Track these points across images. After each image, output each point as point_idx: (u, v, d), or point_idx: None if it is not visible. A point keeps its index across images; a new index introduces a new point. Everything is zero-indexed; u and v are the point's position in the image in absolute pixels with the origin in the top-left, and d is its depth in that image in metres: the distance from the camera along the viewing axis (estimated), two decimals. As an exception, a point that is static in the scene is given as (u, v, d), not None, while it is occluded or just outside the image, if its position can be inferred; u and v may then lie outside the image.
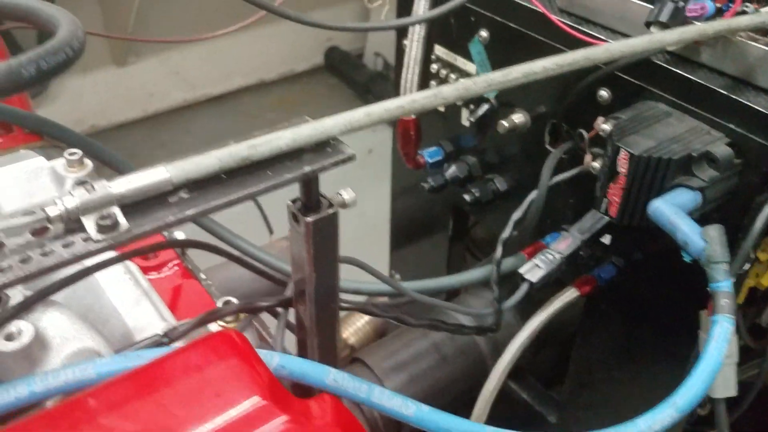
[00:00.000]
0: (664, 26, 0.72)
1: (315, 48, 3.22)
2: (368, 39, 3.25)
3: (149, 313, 0.67)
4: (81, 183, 0.40)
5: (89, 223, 0.38)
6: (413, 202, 1.19)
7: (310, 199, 0.46)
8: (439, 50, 0.96)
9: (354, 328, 1.51)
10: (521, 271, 0.77)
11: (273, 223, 1.67)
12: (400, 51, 1.03)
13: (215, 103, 3.08)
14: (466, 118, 0.97)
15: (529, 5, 0.82)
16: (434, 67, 0.97)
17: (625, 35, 0.77)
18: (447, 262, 1.14)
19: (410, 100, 0.46)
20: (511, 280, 0.81)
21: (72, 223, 0.38)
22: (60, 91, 2.64)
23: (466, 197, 0.94)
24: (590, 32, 0.77)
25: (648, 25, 0.73)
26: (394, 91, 1.10)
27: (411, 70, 0.91)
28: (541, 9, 0.80)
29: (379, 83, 3.06)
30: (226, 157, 0.42)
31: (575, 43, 0.77)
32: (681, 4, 0.72)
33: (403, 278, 1.29)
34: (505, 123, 0.87)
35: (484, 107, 0.91)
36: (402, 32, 1.02)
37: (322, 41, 3.22)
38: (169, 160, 0.43)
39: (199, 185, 0.41)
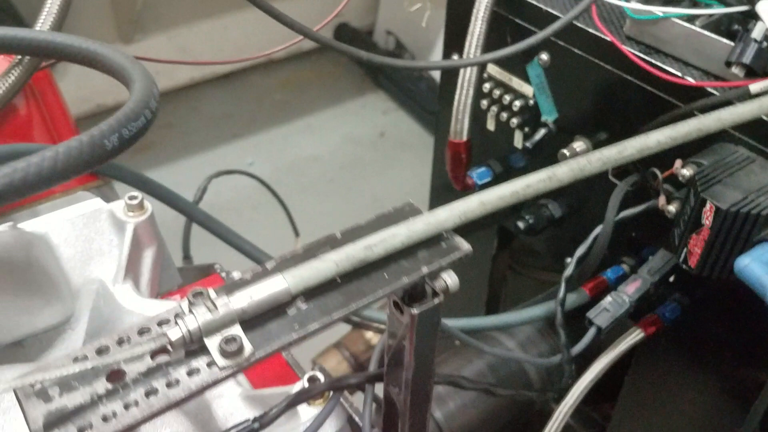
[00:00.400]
0: (747, 68, 0.69)
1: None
2: (379, 16, 3.18)
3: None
4: (197, 295, 0.37)
5: (212, 345, 0.36)
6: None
7: (416, 288, 0.43)
8: (493, 69, 0.93)
9: (330, 365, 1.52)
10: (590, 315, 0.75)
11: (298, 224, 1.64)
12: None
13: (222, 81, 3.02)
14: (519, 140, 0.94)
15: (596, 32, 0.78)
16: (486, 86, 0.94)
17: (699, 69, 0.74)
18: (489, 279, 1.12)
19: (524, 185, 0.44)
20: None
21: (193, 344, 0.36)
22: (66, 70, 2.57)
23: (520, 224, 0.92)
24: (662, 66, 0.74)
25: (728, 65, 0.70)
26: (438, 102, 1.07)
27: (465, 92, 0.88)
28: (609, 37, 0.77)
29: (390, 63, 3.00)
30: (343, 261, 0.39)
31: (644, 74, 0.74)
32: (765, 44, 0.69)
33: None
34: (566, 152, 0.84)
35: (542, 132, 0.88)
36: (451, 46, 0.99)
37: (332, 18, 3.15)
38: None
39: (316, 292, 0.39)
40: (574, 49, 0.81)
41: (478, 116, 0.90)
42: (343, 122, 2.91)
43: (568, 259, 0.91)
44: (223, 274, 0.77)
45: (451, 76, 0.99)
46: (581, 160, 0.45)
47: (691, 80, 0.71)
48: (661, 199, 0.74)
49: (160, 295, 0.73)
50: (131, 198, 0.67)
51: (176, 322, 0.36)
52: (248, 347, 0.36)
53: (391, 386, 0.51)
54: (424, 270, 0.41)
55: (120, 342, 0.37)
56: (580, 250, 0.79)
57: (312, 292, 0.39)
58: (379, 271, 0.40)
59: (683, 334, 0.81)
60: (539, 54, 0.85)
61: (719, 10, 0.70)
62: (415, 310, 0.43)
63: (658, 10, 0.73)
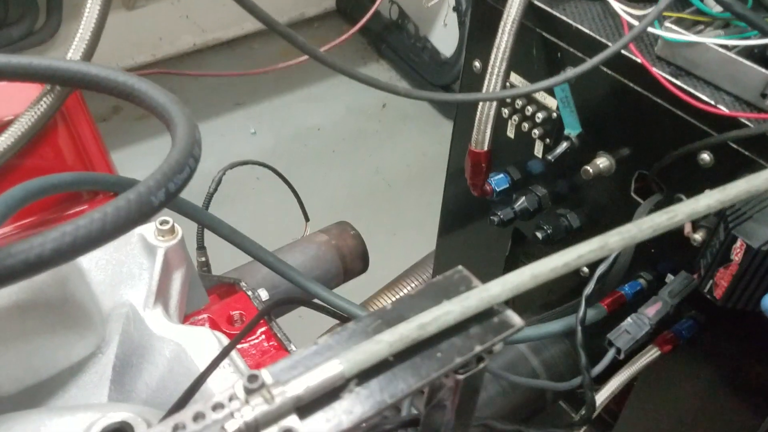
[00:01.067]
0: (783, 102, 0.69)
1: (326, -10, 3.09)
2: (383, -18, 3.11)
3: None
4: (254, 386, 0.37)
5: (269, 437, 0.36)
6: (466, 213, 1.17)
7: (463, 352, 0.44)
8: (516, 79, 0.92)
9: None
10: (610, 336, 0.76)
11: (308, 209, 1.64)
12: (469, 72, 0.98)
13: (225, 48, 2.98)
14: (539, 150, 0.94)
15: (626, 52, 0.77)
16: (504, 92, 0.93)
17: (732, 95, 0.73)
18: (502, 279, 1.12)
19: (576, 255, 0.44)
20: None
21: (249, 436, 0.36)
22: (69, 35, 2.52)
23: (538, 234, 0.92)
24: (694, 92, 0.73)
25: (765, 96, 0.70)
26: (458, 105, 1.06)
27: (488, 104, 0.87)
28: (640, 59, 0.76)
29: (394, 33, 2.96)
30: (396, 342, 0.39)
31: (674, 99, 0.74)
32: (801, 76, 0.68)
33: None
34: (589, 169, 0.84)
35: (564, 145, 0.88)
36: (473, 52, 0.97)
37: (334, -17, 3.09)
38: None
39: (369, 372, 0.39)
40: (602, 67, 0.80)
41: (498, 123, 0.90)
42: (345, 92, 2.87)
43: (585, 270, 0.92)
44: (249, 293, 0.78)
45: (472, 82, 0.98)
46: (632, 229, 0.45)
47: (724, 110, 0.70)
48: (687, 227, 0.75)
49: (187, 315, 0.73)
50: (163, 223, 0.67)
51: (233, 415, 0.36)
52: (305, 438, 0.37)
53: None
54: (477, 348, 0.41)
55: (176, 429, 0.37)
56: (601, 268, 0.80)
57: (365, 373, 0.39)
58: (431, 349, 0.41)
59: (699, 350, 0.83)
60: (566, 69, 0.84)
61: (758, 41, 0.69)
62: (460, 376, 0.44)
63: (695, 38, 0.72)
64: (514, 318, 0.43)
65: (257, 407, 0.37)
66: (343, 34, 3.17)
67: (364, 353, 0.39)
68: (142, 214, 0.46)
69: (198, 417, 0.38)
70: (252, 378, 0.38)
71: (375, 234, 1.81)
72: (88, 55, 0.61)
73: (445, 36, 2.80)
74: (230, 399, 0.39)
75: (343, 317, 0.82)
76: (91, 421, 0.51)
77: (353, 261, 1.46)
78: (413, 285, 1.61)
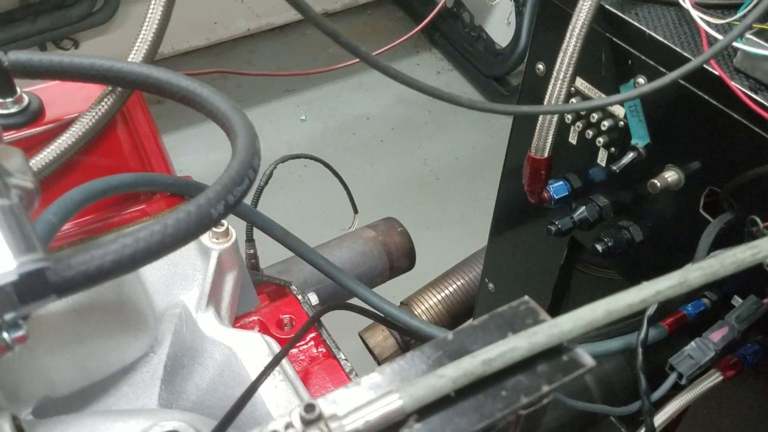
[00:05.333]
0: None
1: (382, -23, 3.06)
2: (439, -30, 3.07)
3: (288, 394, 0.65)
4: (312, 417, 0.36)
5: (326, 471, 0.35)
6: (520, 215, 1.14)
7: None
8: (582, 84, 0.88)
9: (376, 339, 1.52)
10: (672, 361, 0.73)
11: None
12: (531, 74, 0.95)
13: (278, 33, 2.98)
14: (603, 158, 0.91)
15: (702, 63, 0.73)
16: (573, 101, 0.90)
17: (814, 112, 0.69)
18: (554, 287, 1.10)
19: (654, 291, 0.41)
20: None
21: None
22: (125, 18, 2.56)
23: (598, 247, 0.89)
24: (774, 107, 0.69)
25: None
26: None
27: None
28: (718, 71, 0.72)
29: (448, 22, 2.91)
30: (460, 378, 0.38)
31: (753, 114, 0.70)
32: None
33: (498, 291, 1.26)
34: (657, 183, 0.80)
35: (630, 155, 0.84)
36: (537, 54, 0.94)
37: (391, -30, 3.05)
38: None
39: (430, 408, 0.38)
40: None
41: (559, 128, 0.86)
42: (395, 82, 2.85)
43: (645, 284, 0.89)
44: (300, 297, 0.77)
45: (534, 85, 0.95)
46: (714, 264, 0.42)
47: (806, 129, 0.66)
48: (760, 251, 0.71)
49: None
50: (217, 225, 0.66)
51: (290, 448, 0.35)
52: (362, 475, 0.35)
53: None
54: (545, 389, 0.39)
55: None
56: (665, 289, 0.76)
57: (425, 409, 0.38)
58: (496, 387, 0.39)
59: (764, 376, 0.79)
60: (636, 77, 0.81)
61: None
62: (523, 411, 0.42)
63: (780, 53, 0.67)
64: (585, 357, 0.41)
65: (318, 441, 0.36)
66: (396, 20, 3.15)
67: (425, 388, 0.38)
68: (201, 227, 0.45)
69: (258, 449, 0.37)
70: (309, 408, 0.37)
71: (420, 227, 1.79)
72: (150, 57, 0.61)
73: (500, 26, 2.75)
74: (286, 427, 0.38)
75: (389, 322, 0.81)
76: (143, 428, 0.51)
77: (399, 259, 1.45)
78: (459, 283, 1.59)
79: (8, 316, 0.35)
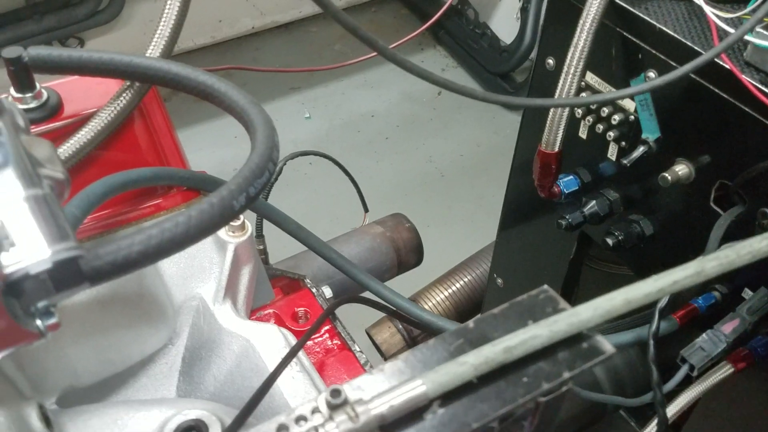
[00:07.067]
0: None
1: (387, -26, 3.06)
2: (444, -33, 3.07)
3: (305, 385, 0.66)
4: (338, 402, 0.37)
5: (352, 456, 0.36)
6: (530, 210, 1.14)
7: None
8: (592, 78, 0.89)
9: (383, 336, 1.52)
10: (684, 353, 0.74)
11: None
12: (541, 69, 0.96)
13: (283, 30, 2.99)
14: (613, 153, 0.91)
15: (714, 57, 0.74)
16: (583, 95, 0.90)
17: (825, 105, 0.69)
18: (563, 281, 1.10)
19: (671, 281, 0.42)
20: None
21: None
22: (131, 16, 2.57)
23: (609, 240, 0.89)
24: (787, 100, 0.70)
25: None
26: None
27: (562, 104, 0.85)
28: (728, 65, 0.72)
29: (453, 19, 2.91)
30: (482, 365, 0.38)
31: (761, 106, 0.70)
32: None
33: (507, 286, 1.27)
34: (668, 176, 0.81)
35: (641, 149, 0.85)
36: (547, 49, 0.95)
37: (395, -33, 3.06)
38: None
39: (452, 394, 0.38)
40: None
41: (570, 123, 0.87)
42: (400, 79, 2.85)
43: (662, 274, 0.89)
44: (314, 290, 0.78)
45: (544, 80, 0.96)
46: (730, 254, 0.43)
47: (818, 122, 0.67)
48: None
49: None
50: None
51: (317, 430, 0.36)
52: (388, 458, 0.36)
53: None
54: (566, 375, 0.40)
55: (263, 441, 0.37)
56: (676, 281, 0.77)
57: (448, 395, 0.38)
58: (517, 374, 0.40)
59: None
60: (647, 71, 0.81)
61: None
62: (543, 398, 0.43)
63: (791, 45, 0.68)
64: (605, 344, 0.41)
65: (342, 424, 0.36)
66: (401, 18, 3.15)
67: (448, 374, 0.38)
68: (224, 218, 0.46)
69: (281, 429, 0.37)
70: (335, 393, 0.38)
71: (426, 224, 1.79)
72: (167, 52, 0.61)
73: (505, 23, 2.75)
74: (312, 412, 0.38)
75: (402, 316, 0.81)
76: (165, 417, 0.52)
77: (408, 254, 1.46)
78: (467, 279, 1.59)
79: (41, 304, 0.35)
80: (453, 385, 0.38)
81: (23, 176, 0.36)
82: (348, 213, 1.57)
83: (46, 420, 0.48)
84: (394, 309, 0.80)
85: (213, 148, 2.47)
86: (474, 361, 0.39)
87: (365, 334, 1.55)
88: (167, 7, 0.62)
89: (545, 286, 0.44)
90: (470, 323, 0.42)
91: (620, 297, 0.41)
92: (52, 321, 0.36)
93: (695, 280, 0.43)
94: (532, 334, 0.40)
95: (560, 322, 0.40)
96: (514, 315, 0.42)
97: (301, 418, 0.38)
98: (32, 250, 0.34)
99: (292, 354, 0.61)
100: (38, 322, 0.36)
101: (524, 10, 2.54)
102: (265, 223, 1.30)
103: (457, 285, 1.60)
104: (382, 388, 0.38)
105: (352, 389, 0.38)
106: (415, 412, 0.38)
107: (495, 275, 1.28)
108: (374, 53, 0.77)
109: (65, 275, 0.35)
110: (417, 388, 0.38)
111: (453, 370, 0.38)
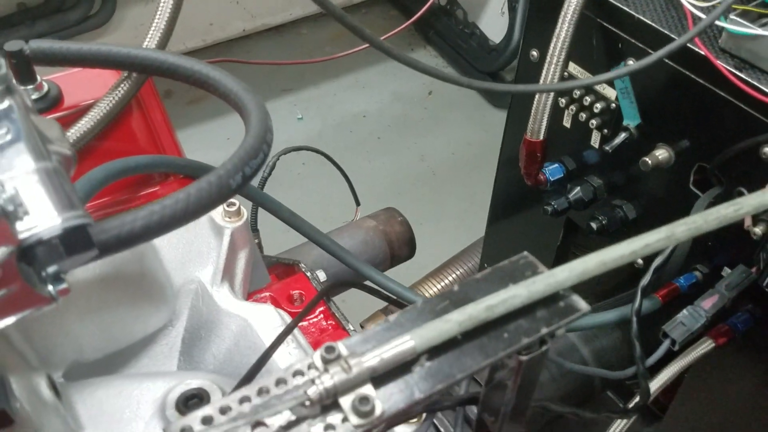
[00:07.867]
0: None
1: (376, -24, 3.09)
2: (432, -32, 3.10)
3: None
4: (332, 357, 0.40)
5: (346, 404, 0.38)
6: (517, 201, 1.17)
7: (527, 336, 0.45)
8: (575, 68, 0.92)
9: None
10: (665, 328, 0.76)
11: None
12: (526, 61, 0.99)
13: (274, 33, 3.01)
14: (596, 140, 0.94)
15: (690, 44, 0.77)
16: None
17: (796, 88, 0.72)
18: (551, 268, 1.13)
19: (643, 244, 0.45)
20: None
21: (328, 400, 0.39)
22: (121, 20, 2.59)
23: (593, 225, 0.92)
24: (758, 85, 0.73)
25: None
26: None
27: (546, 93, 0.88)
28: (704, 51, 0.75)
29: (442, 20, 2.95)
30: (465, 322, 0.41)
31: (737, 91, 0.73)
32: None
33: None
34: (648, 161, 0.84)
35: (622, 136, 0.88)
36: (530, 41, 0.98)
37: (384, -31, 3.09)
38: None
39: (438, 349, 0.41)
40: (665, 58, 0.80)
41: (554, 113, 0.90)
42: (391, 79, 2.88)
43: (640, 261, 0.92)
44: (308, 274, 0.80)
45: (529, 71, 0.99)
46: (698, 219, 0.46)
47: (788, 104, 0.70)
48: (747, 220, 0.74)
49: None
50: (229, 205, 0.69)
51: (313, 381, 0.39)
52: (379, 407, 0.39)
53: (486, 413, 0.54)
54: (544, 330, 0.42)
55: (260, 393, 0.40)
56: (658, 260, 0.80)
57: (435, 349, 0.41)
58: (498, 330, 0.42)
59: (754, 344, 0.83)
60: (626, 59, 0.84)
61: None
62: (523, 357, 0.45)
63: (760, 31, 0.71)
64: (580, 303, 0.44)
65: (336, 375, 0.39)
66: (390, 19, 3.18)
67: (435, 330, 0.41)
68: (221, 196, 0.48)
69: (279, 382, 0.40)
70: (329, 349, 0.40)
71: (418, 221, 1.82)
72: (163, 44, 0.64)
73: (494, 22, 2.78)
74: (309, 367, 0.41)
75: (395, 301, 0.84)
76: (169, 387, 0.54)
77: (400, 247, 1.48)
78: (459, 273, 1.62)
79: (52, 269, 0.38)
80: (439, 340, 0.41)
81: (34, 150, 0.38)
82: (341, 212, 1.59)
83: (55, 390, 0.51)
84: (387, 294, 0.83)
85: (206, 150, 2.48)
86: (458, 319, 0.41)
87: (360, 329, 1.57)
88: (162, 1, 0.64)
89: (525, 252, 0.46)
90: (455, 286, 0.45)
91: (595, 259, 0.44)
92: (63, 286, 0.38)
93: (666, 243, 0.45)
94: (512, 294, 0.42)
95: (538, 282, 0.43)
96: (495, 278, 0.45)
97: (297, 373, 0.41)
98: (44, 218, 0.37)
99: (288, 330, 0.63)
100: (50, 287, 0.38)
101: (512, 9, 2.58)
102: (260, 219, 1.33)
103: (450, 278, 1.62)
104: (372, 344, 0.41)
105: (345, 346, 0.41)
106: (404, 365, 0.41)
107: (486, 265, 1.31)
108: (364, 45, 0.80)
109: (75, 241, 0.37)
110: (406, 343, 0.40)
111: (439, 326, 0.41)
